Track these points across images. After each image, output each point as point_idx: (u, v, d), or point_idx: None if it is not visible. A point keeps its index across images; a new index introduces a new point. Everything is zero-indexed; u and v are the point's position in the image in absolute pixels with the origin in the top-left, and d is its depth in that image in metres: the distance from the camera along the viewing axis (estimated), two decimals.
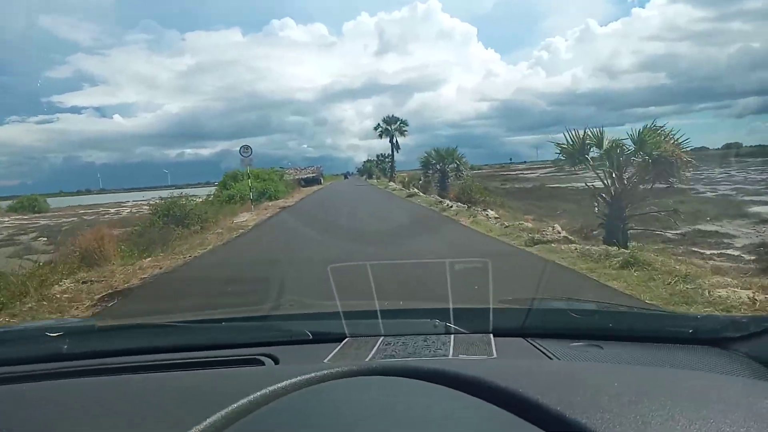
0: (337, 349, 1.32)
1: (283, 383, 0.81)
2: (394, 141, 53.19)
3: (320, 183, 63.66)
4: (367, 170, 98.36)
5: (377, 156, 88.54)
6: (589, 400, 0.72)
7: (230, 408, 0.72)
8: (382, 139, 53.38)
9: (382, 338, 1.37)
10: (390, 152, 71.75)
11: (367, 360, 1.21)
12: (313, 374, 0.86)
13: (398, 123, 52.32)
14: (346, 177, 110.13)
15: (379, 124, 52.81)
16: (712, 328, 1.32)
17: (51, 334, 1.42)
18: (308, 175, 62.88)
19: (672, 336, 1.33)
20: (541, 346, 1.31)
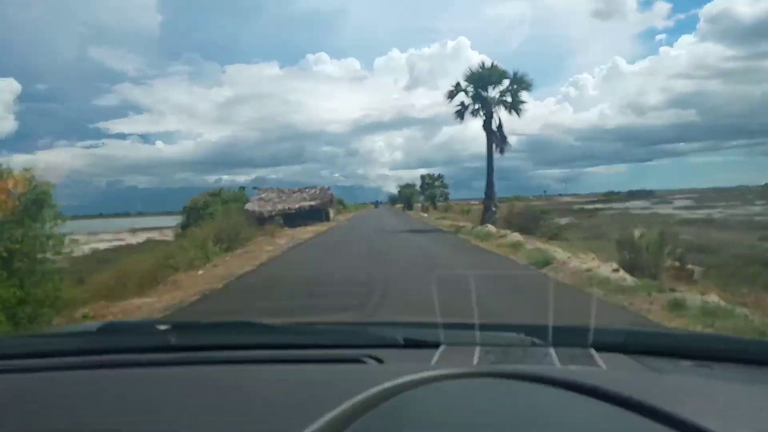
0: (438, 353, 1.26)
1: (401, 380, 0.79)
2: (496, 123, 21.56)
3: (327, 218, 33.62)
4: (404, 198, 68.23)
5: (423, 178, 59.07)
6: (725, 413, 0.70)
7: (351, 402, 0.72)
8: (462, 122, 22.28)
9: (479, 347, 1.29)
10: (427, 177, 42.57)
11: (474, 365, 1.18)
12: (428, 373, 0.83)
13: (511, 85, 21.19)
14: (376, 206, 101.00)
15: (458, 85, 21.83)
16: None
17: (160, 327, 1.47)
18: (302, 204, 32.47)
19: None
20: (647, 363, 1.21)
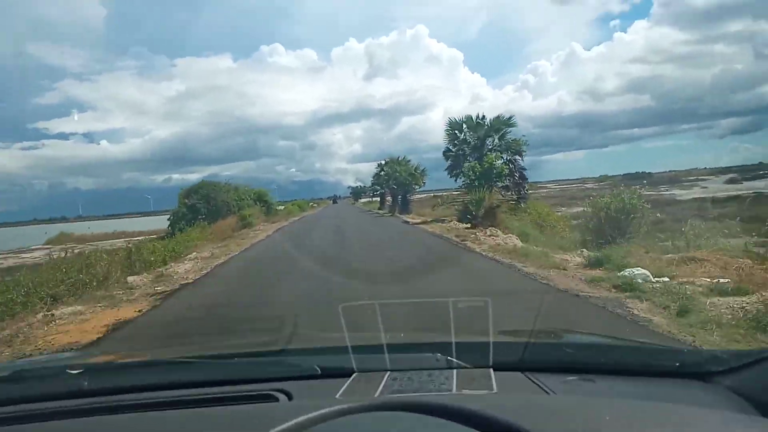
0: (346, 385, 1.33)
1: (301, 419, 0.85)
2: None
3: None
4: (395, 183, 31.50)
5: (452, 128, 23.96)
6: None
7: None
8: None
9: (388, 373, 1.38)
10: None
11: (376, 395, 1.25)
12: (327, 410, 0.89)
13: None
14: (334, 201, 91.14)
15: None
16: (696, 362, 1.39)
17: (72, 371, 1.45)
18: None
19: (659, 370, 1.40)
20: (537, 380, 1.33)
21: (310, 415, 0.85)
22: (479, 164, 19.78)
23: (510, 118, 21.19)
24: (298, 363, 1.47)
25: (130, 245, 13.21)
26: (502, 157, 20.19)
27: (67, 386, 1.38)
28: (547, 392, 1.26)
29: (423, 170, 30.87)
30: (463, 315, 1.71)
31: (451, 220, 20.22)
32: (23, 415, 1.24)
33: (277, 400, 1.25)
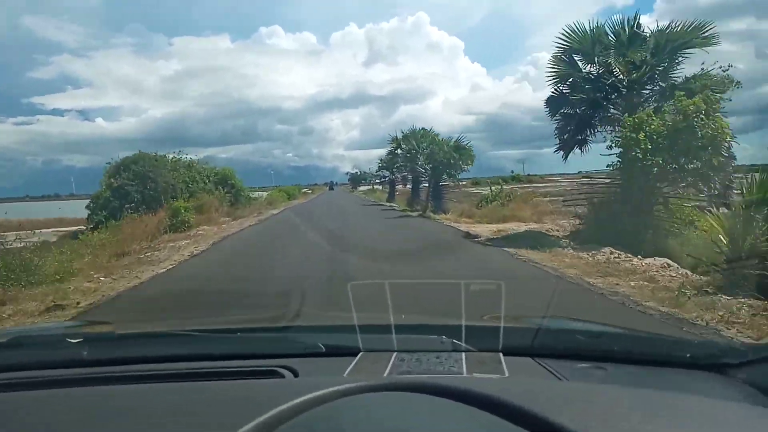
0: (353, 363, 1.31)
1: (309, 396, 0.83)
2: None
3: None
4: (431, 162, 20.62)
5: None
6: (600, 420, 0.76)
7: (260, 419, 0.74)
8: None
9: (395, 354, 1.35)
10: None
11: (384, 375, 1.22)
12: (336, 388, 0.87)
13: None
14: (331, 188, 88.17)
15: None
16: (712, 354, 1.35)
17: (71, 340, 1.42)
18: None
19: (672, 360, 1.36)
20: (549, 366, 1.31)
21: (320, 393, 0.83)
22: (656, 117, 8.80)
23: (702, 24, 10.12)
24: (303, 340, 1.45)
25: None
26: (702, 105, 9.11)
27: (66, 355, 1.36)
28: (559, 378, 1.24)
29: (468, 144, 19.88)
30: (475, 299, 1.67)
31: (558, 234, 9.30)
32: (21, 382, 1.23)
33: (282, 376, 1.23)
